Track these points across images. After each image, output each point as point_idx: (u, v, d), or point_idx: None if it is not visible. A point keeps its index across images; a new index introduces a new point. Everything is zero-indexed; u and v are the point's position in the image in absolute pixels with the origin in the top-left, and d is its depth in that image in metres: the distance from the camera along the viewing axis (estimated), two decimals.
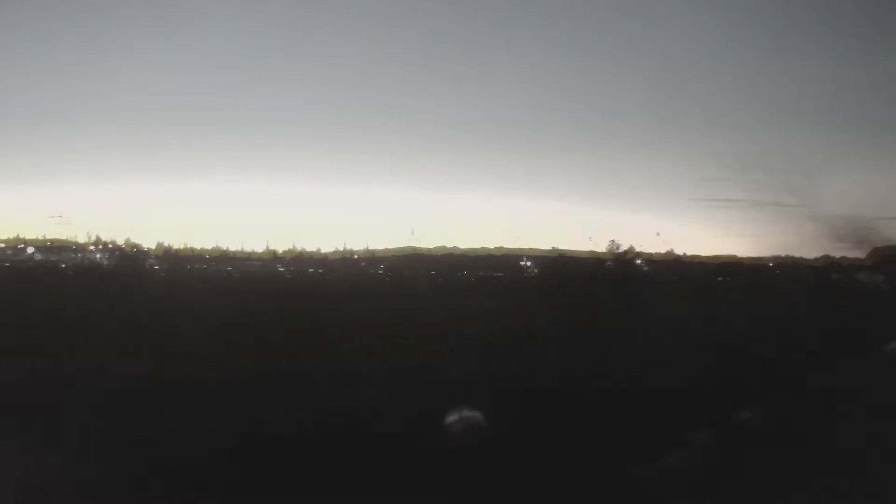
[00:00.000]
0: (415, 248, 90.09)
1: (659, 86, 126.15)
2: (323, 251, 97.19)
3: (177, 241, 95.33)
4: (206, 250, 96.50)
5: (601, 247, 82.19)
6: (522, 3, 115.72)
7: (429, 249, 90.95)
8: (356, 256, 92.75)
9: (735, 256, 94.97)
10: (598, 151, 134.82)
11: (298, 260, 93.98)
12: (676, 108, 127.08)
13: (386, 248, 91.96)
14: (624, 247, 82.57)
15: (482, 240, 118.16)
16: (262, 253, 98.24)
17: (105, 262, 79.26)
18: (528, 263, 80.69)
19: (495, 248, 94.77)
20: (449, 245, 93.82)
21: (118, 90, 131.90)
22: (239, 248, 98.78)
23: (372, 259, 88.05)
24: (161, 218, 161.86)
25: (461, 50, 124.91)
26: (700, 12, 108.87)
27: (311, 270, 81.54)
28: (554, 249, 77.88)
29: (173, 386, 11.86)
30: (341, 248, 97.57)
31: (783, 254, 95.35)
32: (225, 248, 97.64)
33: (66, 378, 12.04)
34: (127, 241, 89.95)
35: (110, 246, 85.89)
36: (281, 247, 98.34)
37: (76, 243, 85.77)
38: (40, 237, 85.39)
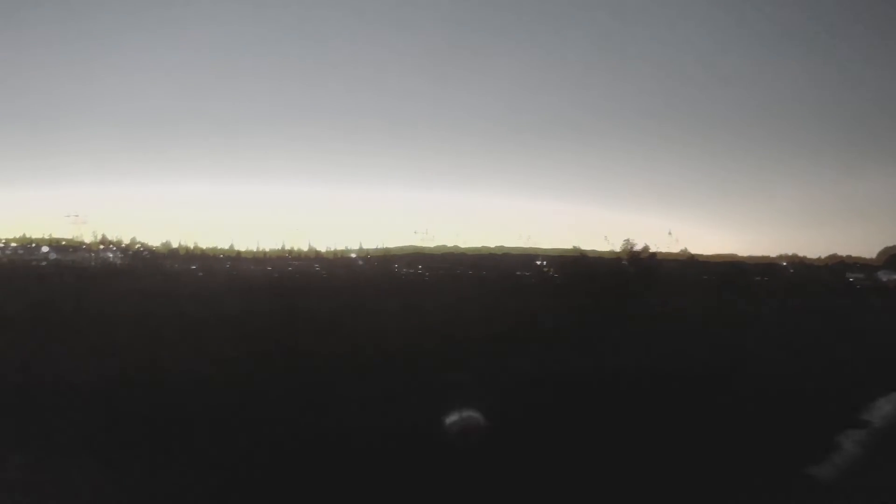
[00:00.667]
0: (429, 248, 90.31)
1: (665, 88, 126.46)
2: (337, 250, 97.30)
3: (188, 241, 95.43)
4: (218, 250, 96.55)
5: (615, 246, 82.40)
6: (538, 8, 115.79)
7: (443, 249, 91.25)
8: (368, 255, 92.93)
9: (737, 255, 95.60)
10: (604, 153, 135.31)
11: (308, 259, 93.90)
12: (683, 108, 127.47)
13: (398, 247, 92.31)
14: (639, 246, 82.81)
15: (494, 240, 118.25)
16: (270, 252, 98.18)
17: (118, 262, 79.10)
18: (544, 263, 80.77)
19: (496, 246, 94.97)
20: (463, 245, 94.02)
21: (129, 95, 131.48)
22: (249, 248, 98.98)
23: (385, 258, 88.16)
24: (174, 219, 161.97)
25: (473, 53, 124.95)
26: (714, 16, 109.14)
27: (332, 269, 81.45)
28: (575, 248, 78.02)
29: (181, 382, 11.70)
30: (354, 248, 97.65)
31: (789, 252, 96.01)
32: (235, 248, 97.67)
33: (83, 372, 11.93)
34: (133, 240, 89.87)
35: (124, 245, 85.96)
36: (291, 246, 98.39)
37: (83, 243, 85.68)
38: (48, 236, 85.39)
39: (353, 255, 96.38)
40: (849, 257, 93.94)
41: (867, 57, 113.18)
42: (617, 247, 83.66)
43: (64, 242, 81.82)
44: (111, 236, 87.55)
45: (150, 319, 22.34)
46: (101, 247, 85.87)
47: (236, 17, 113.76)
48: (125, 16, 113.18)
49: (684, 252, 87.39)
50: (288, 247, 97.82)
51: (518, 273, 75.44)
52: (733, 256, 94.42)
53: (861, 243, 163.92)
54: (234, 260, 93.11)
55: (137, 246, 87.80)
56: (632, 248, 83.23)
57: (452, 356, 16.06)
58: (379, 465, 8.18)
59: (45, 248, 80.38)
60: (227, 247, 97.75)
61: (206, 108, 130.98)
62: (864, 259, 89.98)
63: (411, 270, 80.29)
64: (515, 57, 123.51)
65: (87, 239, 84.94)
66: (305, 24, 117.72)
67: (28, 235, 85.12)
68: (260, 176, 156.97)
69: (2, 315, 22.24)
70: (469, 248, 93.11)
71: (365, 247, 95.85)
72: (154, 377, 12.40)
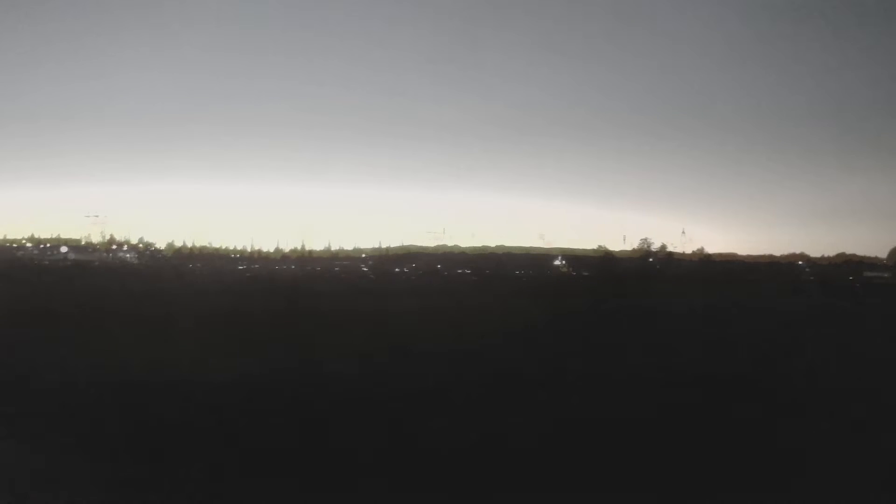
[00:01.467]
0: (449, 247, 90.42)
1: (674, 90, 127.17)
2: (353, 249, 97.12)
3: (202, 241, 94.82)
4: (234, 250, 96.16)
5: (633, 245, 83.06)
6: (556, 9, 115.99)
7: (461, 248, 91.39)
8: (386, 254, 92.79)
9: (737, 254, 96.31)
10: (615, 154, 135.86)
11: (323, 259, 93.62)
12: (694, 111, 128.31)
13: (415, 246, 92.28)
14: (656, 245, 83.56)
15: (510, 239, 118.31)
16: (280, 253, 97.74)
17: (135, 262, 78.63)
18: (563, 261, 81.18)
19: (496, 246, 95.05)
20: (481, 244, 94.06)
21: (140, 95, 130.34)
22: (261, 248, 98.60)
23: (407, 257, 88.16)
24: (186, 218, 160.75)
25: (489, 54, 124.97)
26: (727, 18, 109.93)
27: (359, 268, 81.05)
28: (601, 248, 78.64)
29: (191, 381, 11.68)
30: (375, 247, 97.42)
31: (797, 251, 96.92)
32: (248, 248, 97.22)
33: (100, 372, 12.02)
34: (140, 239, 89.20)
35: (139, 246, 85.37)
36: (306, 246, 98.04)
37: (92, 243, 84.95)
38: (56, 236, 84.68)
39: (364, 255, 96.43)
40: (854, 256, 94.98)
41: (867, 60, 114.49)
42: (634, 246, 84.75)
43: (84, 242, 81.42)
44: (123, 237, 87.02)
45: (160, 319, 22.22)
46: (114, 247, 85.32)
47: (252, 19, 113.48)
48: (135, 18, 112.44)
49: (699, 251, 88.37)
50: (302, 247, 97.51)
51: (537, 272, 75.75)
52: (734, 255, 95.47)
53: (864, 243, 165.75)
54: (248, 260, 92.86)
55: (153, 248, 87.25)
56: (649, 247, 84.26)
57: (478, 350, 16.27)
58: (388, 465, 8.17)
59: (63, 248, 79.77)
60: (240, 247, 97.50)
61: (220, 110, 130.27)
62: (874, 258, 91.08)
63: (440, 269, 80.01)
64: (530, 59, 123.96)
65: (96, 239, 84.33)
66: (322, 26, 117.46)
67: (37, 235, 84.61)
68: (273, 176, 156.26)
69: (19, 313, 22.32)
70: (484, 248, 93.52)
71: (382, 246, 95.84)
72: (163, 377, 12.32)
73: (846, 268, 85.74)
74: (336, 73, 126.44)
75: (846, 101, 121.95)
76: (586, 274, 67.72)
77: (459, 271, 75.65)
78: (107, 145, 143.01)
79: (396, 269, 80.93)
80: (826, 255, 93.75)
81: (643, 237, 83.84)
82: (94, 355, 14.17)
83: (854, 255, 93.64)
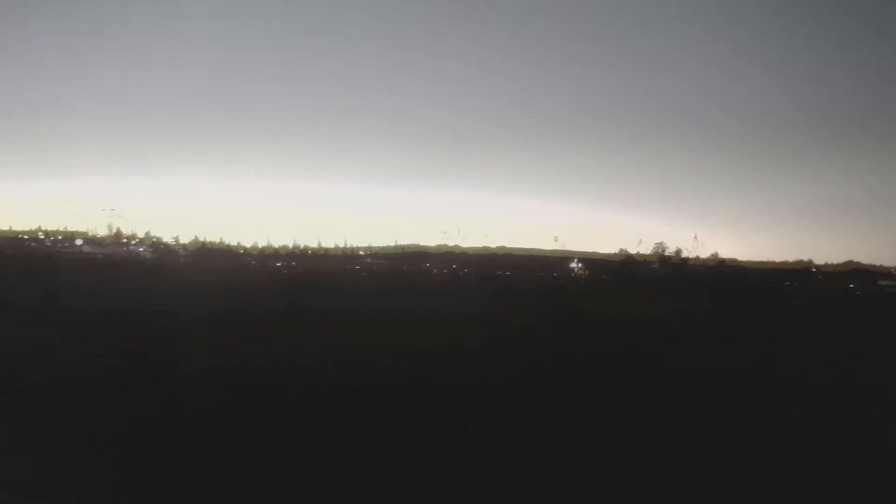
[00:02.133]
0: (461, 248, 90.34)
1: (675, 92, 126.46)
2: (367, 248, 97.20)
3: (216, 238, 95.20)
4: (245, 247, 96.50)
5: (646, 249, 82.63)
6: (572, 11, 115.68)
7: (473, 249, 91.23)
8: (400, 253, 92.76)
9: (736, 259, 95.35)
10: (628, 157, 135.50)
11: (335, 257, 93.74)
12: (700, 111, 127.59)
13: (432, 246, 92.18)
14: (670, 249, 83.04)
15: (522, 241, 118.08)
16: (289, 249, 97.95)
17: (148, 256, 79.20)
18: (579, 265, 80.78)
19: (501, 247, 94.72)
20: (494, 245, 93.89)
21: (144, 91, 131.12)
22: (273, 245, 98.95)
23: (420, 256, 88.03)
24: (202, 214, 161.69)
25: (502, 55, 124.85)
26: (740, 24, 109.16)
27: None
28: (622, 251, 78.25)
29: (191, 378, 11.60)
30: (387, 245, 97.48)
31: (805, 258, 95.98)
32: (264, 245, 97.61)
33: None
34: (147, 233, 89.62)
35: (154, 239, 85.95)
36: (319, 244, 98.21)
37: (99, 236, 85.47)
38: (63, 228, 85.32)
39: (375, 254, 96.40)
40: (859, 263, 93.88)
41: (867, 60, 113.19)
42: (649, 250, 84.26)
43: (95, 236, 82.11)
44: (136, 231, 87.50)
45: (170, 315, 22.18)
46: (124, 240, 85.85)
47: (265, 16, 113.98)
48: (149, 13, 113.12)
49: (714, 256, 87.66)
50: (318, 244, 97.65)
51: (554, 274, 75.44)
52: (735, 261, 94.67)
53: (873, 251, 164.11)
54: (259, 257, 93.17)
55: (163, 243, 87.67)
56: (663, 251, 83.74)
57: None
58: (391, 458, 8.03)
59: (78, 241, 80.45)
60: (251, 244, 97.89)
61: (233, 107, 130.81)
62: (879, 266, 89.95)
63: (454, 270, 79.78)
64: (538, 61, 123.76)
65: (107, 232, 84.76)
66: (331, 26, 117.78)
67: (46, 227, 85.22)
68: (284, 173, 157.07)
69: (30, 306, 22.44)
70: (494, 249, 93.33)
71: (395, 244, 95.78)
72: (168, 375, 12.22)
73: (854, 275, 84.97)
74: (346, 71, 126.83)
75: (848, 103, 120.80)
76: (604, 277, 67.39)
77: (467, 271, 75.65)
78: (118, 140, 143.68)
79: (410, 269, 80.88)
80: (831, 261, 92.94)
81: (657, 241, 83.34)
82: (100, 351, 14.16)
83: (860, 263, 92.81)
